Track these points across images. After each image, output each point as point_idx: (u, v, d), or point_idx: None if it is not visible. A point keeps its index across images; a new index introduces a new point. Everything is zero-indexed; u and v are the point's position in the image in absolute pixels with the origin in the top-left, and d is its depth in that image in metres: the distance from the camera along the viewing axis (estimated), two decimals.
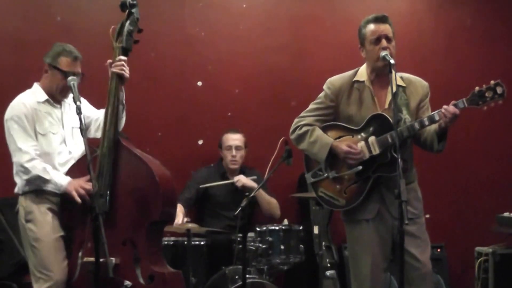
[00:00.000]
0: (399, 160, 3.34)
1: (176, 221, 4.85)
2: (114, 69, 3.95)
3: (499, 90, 3.55)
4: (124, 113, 4.09)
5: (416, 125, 3.63)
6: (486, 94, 3.55)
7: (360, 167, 3.69)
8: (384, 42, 3.67)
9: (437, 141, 3.65)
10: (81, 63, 4.07)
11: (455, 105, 3.54)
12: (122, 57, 3.97)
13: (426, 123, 3.61)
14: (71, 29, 5.40)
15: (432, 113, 3.62)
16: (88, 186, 3.84)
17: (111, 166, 3.91)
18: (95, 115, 4.19)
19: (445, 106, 3.54)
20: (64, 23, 5.44)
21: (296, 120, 3.92)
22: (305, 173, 3.95)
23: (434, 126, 3.64)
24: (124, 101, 4.05)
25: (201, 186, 5.32)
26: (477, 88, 3.57)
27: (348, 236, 3.86)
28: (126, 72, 3.98)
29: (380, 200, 3.73)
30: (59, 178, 3.93)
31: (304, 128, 3.84)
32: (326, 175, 3.81)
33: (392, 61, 3.53)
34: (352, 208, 3.76)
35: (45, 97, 4.05)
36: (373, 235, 3.72)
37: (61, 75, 4.00)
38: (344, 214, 3.86)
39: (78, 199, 3.85)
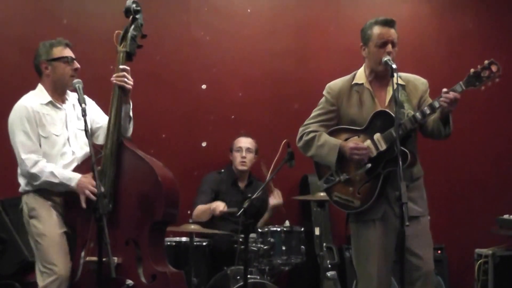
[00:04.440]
0: (400, 158, 3.37)
1: (217, 205, 5.10)
2: (114, 81, 3.98)
3: (494, 68, 3.52)
4: (132, 123, 4.11)
5: (418, 115, 3.62)
6: (482, 74, 3.53)
7: (369, 165, 3.69)
8: (389, 47, 3.69)
9: (443, 126, 3.64)
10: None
11: (453, 90, 3.53)
12: (125, 67, 3.99)
13: (428, 111, 3.60)
14: (77, 32, 5.40)
15: (432, 101, 3.63)
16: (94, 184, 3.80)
17: (114, 167, 3.94)
18: (104, 122, 4.11)
19: (444, 93, 3.53)
20: (70, 26, 5.45)
21: (301, 128, 3.92)
22: (318, 180, 3.93)
23: (437, 114, 3.63)
24: (131, 113, 4.06)
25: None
26: (472, 70, 3.55)
27: (353, 237, 3.85)
28: (128, 84, 3.99)
29: (385, 199, 3.73)
30: (68, 178, 3.92)
31: (311, 134, 3.85)
32: (337, 179, 3.81)
33: (394, 66, 3.55)
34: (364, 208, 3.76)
35: (48, 98, 4.04)
36: (380, 235, 3.73)
37: (63, 62, 4.02)
38: (352, 214, 3.85)
39: (84, 205, 3.86)
